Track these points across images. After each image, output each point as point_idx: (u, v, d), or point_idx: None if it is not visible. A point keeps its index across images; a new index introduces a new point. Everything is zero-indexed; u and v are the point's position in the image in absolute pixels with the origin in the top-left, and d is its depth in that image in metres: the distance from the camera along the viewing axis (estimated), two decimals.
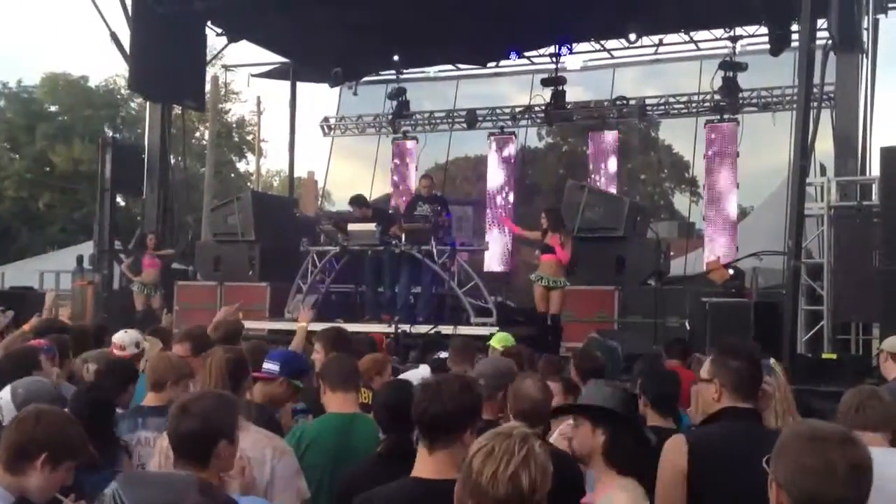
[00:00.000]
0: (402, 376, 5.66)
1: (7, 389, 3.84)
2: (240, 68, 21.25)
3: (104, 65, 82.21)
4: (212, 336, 5.66)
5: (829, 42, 11.66)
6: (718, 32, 16.83)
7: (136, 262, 14.32)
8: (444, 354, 6.55)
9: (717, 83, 16.41)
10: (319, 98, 63.93)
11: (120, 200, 20.47)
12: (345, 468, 3.84)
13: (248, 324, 6.70)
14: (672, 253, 15.77)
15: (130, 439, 4.25)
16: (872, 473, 2.02)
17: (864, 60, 12.18)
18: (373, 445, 3.98)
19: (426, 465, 2.86)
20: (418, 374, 6.31)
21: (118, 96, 38.67)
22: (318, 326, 6.91)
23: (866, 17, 12.23)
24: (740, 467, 3.15)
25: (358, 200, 12.56)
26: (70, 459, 3.08)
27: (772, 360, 4.31)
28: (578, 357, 6.08)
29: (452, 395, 2.90)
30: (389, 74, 19.47)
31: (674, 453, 3.27)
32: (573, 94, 18.69)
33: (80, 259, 15.70)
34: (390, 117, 19.69)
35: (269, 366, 4.40)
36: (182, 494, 1.45)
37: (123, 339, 5.84)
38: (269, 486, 3.50)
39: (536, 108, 18.85)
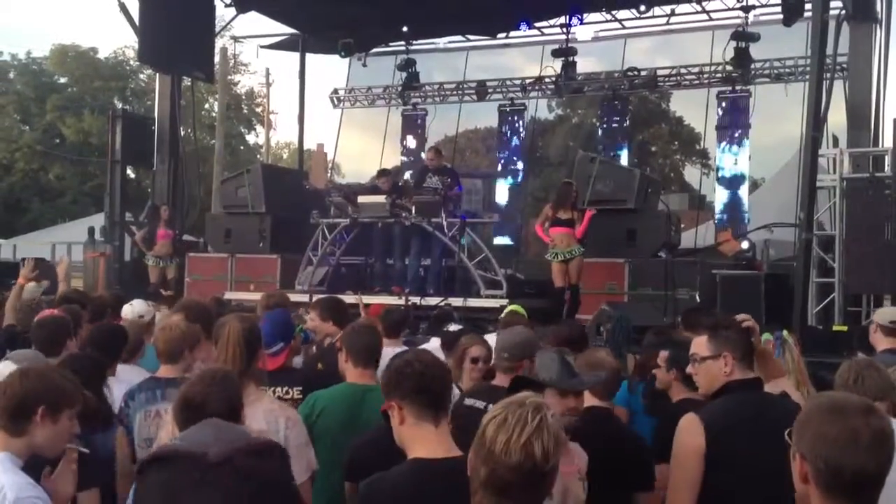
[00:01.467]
0: (427, 346, 5.70)
1: (6, 363, 3.84)
2: (249, 40, 21.22)
3: (113, 36, 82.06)
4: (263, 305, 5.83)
5: (843, 12, 11.54)
6: (731, 2, 16.65)
7: (150, 234, 14.36)
8: (454, 327, 6.55)
9: (730, 54, 16.29)
10: (329, 70, 63.81)
11: (130, 172, 20.52)
12: (353, 437, 3.87)
13: (255, 296, 6.76)
14: (683, 225, 15.73)
15: (150, 412, 4.22)
16: (895, 442, 2.05)
17: (878, 31, 12.07)
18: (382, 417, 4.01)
19: (429, 441, 2.78)
20: (429, 348, 6.34)
21: (127, 68, 38.64)
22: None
23: None
24: (755, 436, 3.20)
25: (382, 172, 12.85)
26: (68, 407, 3.08)
27: (784, 332, 4.32)
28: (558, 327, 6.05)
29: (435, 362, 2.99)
30: (399, 46, 19.37)
31: (689, 434, 3.28)
32: (584, 65, 18.60)
33: (91, 231, 15.74)
34: (400, 89, 19.64)
35: (275, 346, 4.51)
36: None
37: (127, 311, 5.82)
38: None
39: (547, 80, 18.73)
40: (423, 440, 2.78)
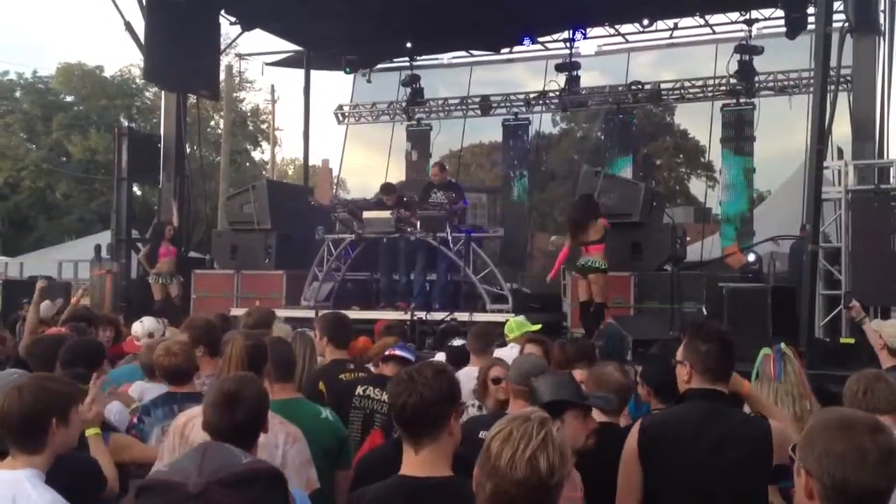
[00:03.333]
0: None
1: None
2: (254, 57, 21.43)
3: (119, 55, 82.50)
4: (245, 321, 5.79)
5: (846, 24, 11.54)
6: (734, 15, 16.68)
7: (152, 252, 14.40)
8: (458, 342, 6.56)
9: (733, 67, 16.30)
10: (333, 86, 63.89)
11: (136, 190, 20.58)
12: None
13: None
14: (688, 238, 15.72)
15: (167, 427, 4.16)
16: None
17: (881, 42, 12.07)
18: (317, 426, 4.07)
19: (413, 463, 2.78)
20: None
21: (133, 86, 38.83)
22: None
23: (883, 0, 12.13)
24: (689, 445, 3.23)
25: (387, 188, 12.75)
26: (74, 405, 3.21)
27: (782, 345, 4.31)
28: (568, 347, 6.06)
29: (426, 383, 2.80)
30: (403, 61, 19.43)
31: (630, 436, 3.38)
32: (588, 79, 18.66)
33: (97, 248, 15.79)
34: (404, 104, 19.69)
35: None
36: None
37: (137, 329, 5.84)
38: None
39: (551, 94, 18.78)
40: (408, 459, 2.81)
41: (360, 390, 5.04)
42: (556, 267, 11.03)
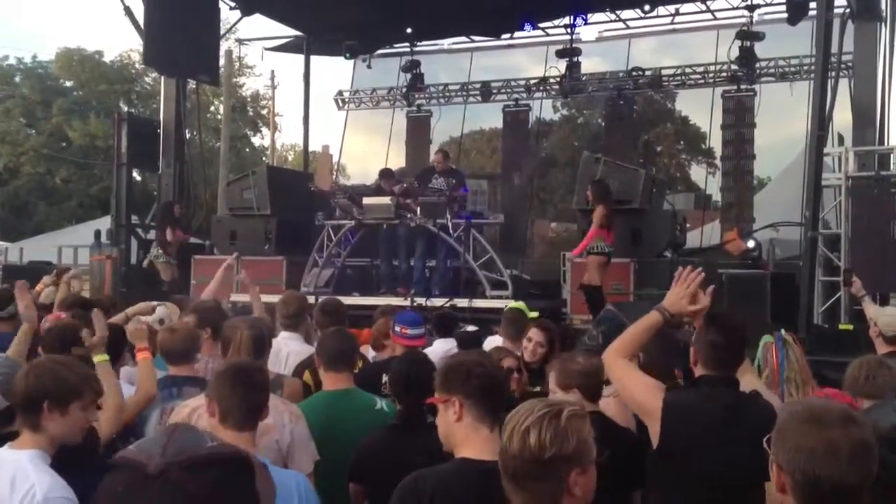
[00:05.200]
0: (429, 349, 5.71)
1: None
2: (253, 42, 21.26)
3: (118, 40, 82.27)
4: (282, 312, 5.84)
5: (847, 10, 11.51)
6: (735, 1, 16.62)
7: (172, 235, 14.43)
8: (471, 328, 6.56)
9: (734, 53, 16.24)
10: (333, 71, 63.77)
11: (136, 175, 20.55)
12: (338, 443, 3.89)
13: (263, 297, 6.73)
14: (688, 225, 15.71)
15: (166, 409, 4.23)
16: (876, 452, 1.97)
17: (883, 29, 12.03)
18: (366, 418, 4.06)
19: (477, 445, 2.76)
20: (445, 346, 6.36)
21: (132, 71, 38.70)
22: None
23: None
24: (710, 430, 3.22)
25: (385, 173, 12.75)
26: (76, 398, 3.12)
27: (783, 332, 4.31)
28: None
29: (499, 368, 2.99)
30: (403, 47, 19.36)
31: (656, 388, 3.37)
32: (588, 65, 18.61)
33: (97, 234, 15.76)
34: (404, 90, 19.63)
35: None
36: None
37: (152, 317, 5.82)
38: (289, 448, 3.70)
39: (551, 80, 18.74)
40: (475, 441, 2.79)
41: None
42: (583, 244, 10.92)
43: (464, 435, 2.82)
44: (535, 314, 7.10)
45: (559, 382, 3.95)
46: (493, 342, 6.04)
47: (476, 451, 2.74)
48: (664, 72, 18.27)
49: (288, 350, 5.60)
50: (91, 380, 3.24)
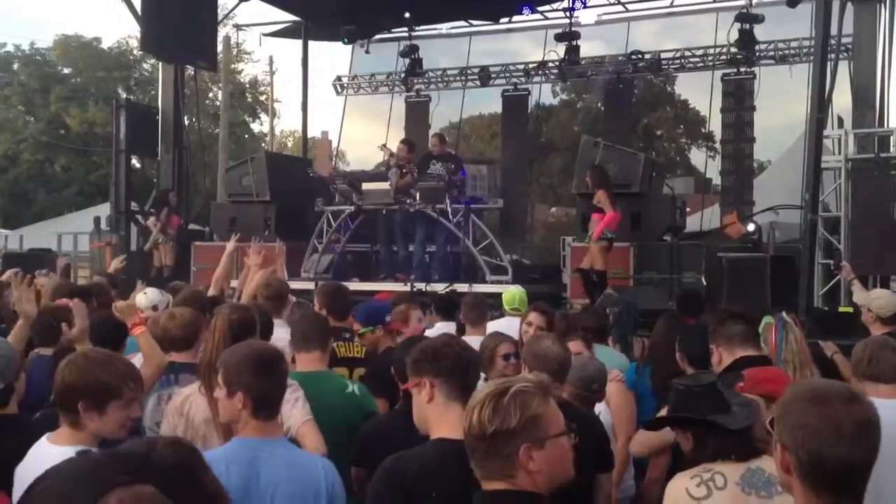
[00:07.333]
0: (430, 332, 5.71)
1: None
2: (251, 28, 21.17)
3: (116, 26, 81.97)
4: (262, 293, 5.77)
5: None
6: None
7: (167, 221, 14.46)
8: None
9: (734, 36, 16.16)
10: (332, 57, 63.77)
11: (135, 162, 20.53)
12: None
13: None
14: (688, 209, 15.70)
15: (163, 396, 4.15)
16: (880, 430, 1.96)
17: (882, 10, 11.99)
18: (335, 401, 4.10)
19: (453, 424, 2.73)
20: (447, 329, 6.36)
21: (131, 58, 38.56)
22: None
23: None
24: None
25: (410, 143, 12.79)
26: (113, 399, 3.01)
27: (784, 314, 4.31)
28: (581, 315, 6.07)
29: (470, 347, 3.05)
30: (402, 32, 19.29)
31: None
32: (587, 49, 18.51)
33: (97, 221, 15.77)
34: (403, 75, 19.56)
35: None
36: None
37: (142, 300, 5.72)
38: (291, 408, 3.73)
39: (550, 64, 18.67)
40: (450, 420, 2.79)
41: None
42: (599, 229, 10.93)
43: (437, 415, 2.84)
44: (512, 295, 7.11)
45: (528, 365, 3.96)
46: (493, 327, 6.03)
47: (451, 431, 2.72)
48: (663, 55, 18.20)
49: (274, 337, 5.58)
50: (128, 377, 3.10)
